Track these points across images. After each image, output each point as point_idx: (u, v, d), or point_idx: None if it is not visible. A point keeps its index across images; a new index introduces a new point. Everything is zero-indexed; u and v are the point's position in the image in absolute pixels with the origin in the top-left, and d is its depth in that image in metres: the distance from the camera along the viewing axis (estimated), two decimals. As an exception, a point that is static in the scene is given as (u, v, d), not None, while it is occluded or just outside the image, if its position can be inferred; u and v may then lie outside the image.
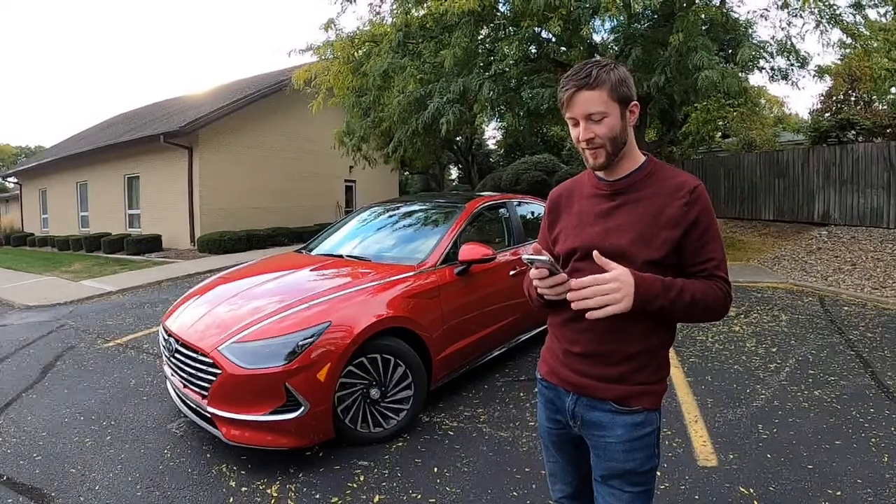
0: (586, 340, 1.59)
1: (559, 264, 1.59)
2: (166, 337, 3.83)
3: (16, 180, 27.06)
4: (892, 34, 11.72)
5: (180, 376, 3.59)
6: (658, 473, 1.66)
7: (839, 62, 13.98)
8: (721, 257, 1.55)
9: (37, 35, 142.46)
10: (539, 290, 1.52)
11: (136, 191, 17.73)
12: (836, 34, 9.79)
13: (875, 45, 10.12)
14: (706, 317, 1.54)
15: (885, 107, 17.79)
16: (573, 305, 1.44)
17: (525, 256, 1.45)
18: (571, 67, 1.57)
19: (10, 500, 3.01)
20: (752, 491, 2.94)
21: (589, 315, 1.42)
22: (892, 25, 11.65)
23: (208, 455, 3.48)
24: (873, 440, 3.46)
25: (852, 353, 5.14)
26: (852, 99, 19.85)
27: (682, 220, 1.50)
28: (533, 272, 1.49)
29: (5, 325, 7.41)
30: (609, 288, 1.40)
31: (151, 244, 15.70)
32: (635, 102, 1.56)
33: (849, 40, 10.08)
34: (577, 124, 1.54)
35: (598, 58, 1.63)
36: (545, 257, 1.42)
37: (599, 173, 1.64)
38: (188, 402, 3.54)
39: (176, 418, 4.03)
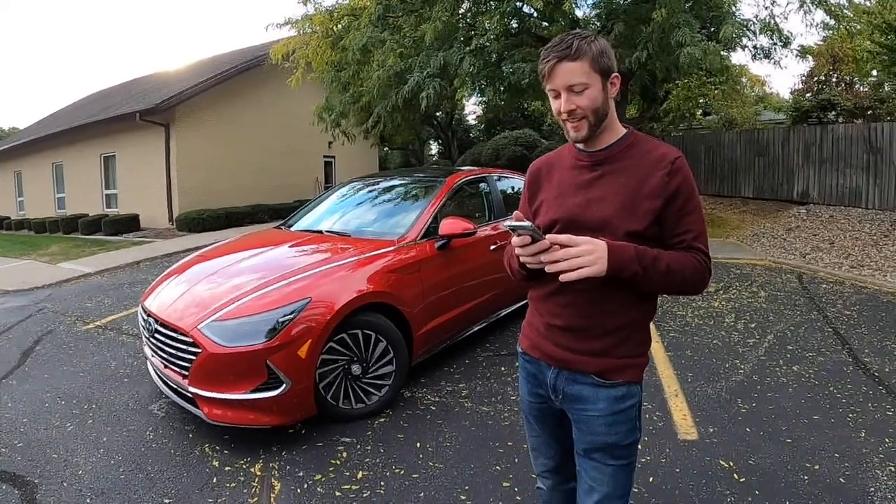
0: (568, 314, 1.58)
1: None
2: (145, 317, 3.77)
3: (-11, 162, 26.53)
4: (875, 17, 11.79)
5: (160, 357, 3.55)
6: (639, 447, 1.66)
7: (822, 43, 14.03)
8: (700, 230, 1.54)
9: (9, 15, 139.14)
10: (521, 259, 1.50)
11: (113, 170, 17.44)
12: (819, 15, 9.84)
13: (858, 27, 10.18)
14: (685, 288, 1.53)
15: (867, 88, 17.94)
16: (547, 269, 1.42)
17: (507, 223, 1.42)
18: None
19: (-9, 487, 2.97)
20: (731, 464, 2.98)
21: (562, 277, 1.39)
22: (875, 8, 11.71)
23: (191, 435, 3.46)
24: (850, 416, 3.52)
25: (830, 329, 5.21)
26: (834, 80, 19.97)
27: (663, 191, 1.49)
28: (515, 240, 1.46)
29: (-19, 307, 7.28)
30: (582, 250, 1.38)
31: (129, 224, 15.50)
32: (616, 74, 1.55)
33: (832, 22, 10.13)
34: (558, 96, 1.52)
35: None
36: (528, 223, 1.39)
37: (580, 145, 1.62)
38: (169, 382, 3.50)
39: (157, 399, 3.99)
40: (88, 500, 2.82)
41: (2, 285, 8.68)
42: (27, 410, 3.93)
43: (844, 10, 9.74)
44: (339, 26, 11.46)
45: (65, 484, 2.98)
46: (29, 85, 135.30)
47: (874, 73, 16.08)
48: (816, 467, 2.93)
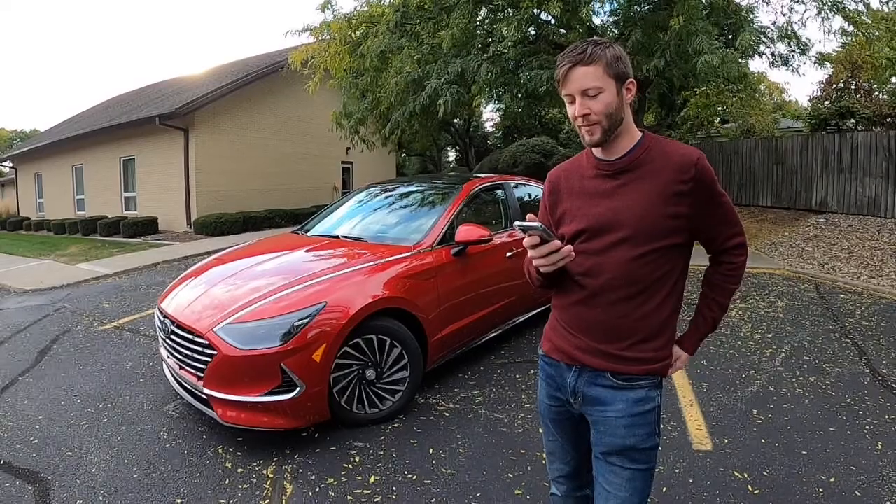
0: (593, 328, 1.61)
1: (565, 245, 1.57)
2: (162, 319, 3.81)
3: (11, 164, 26.99)
4: (894, 23, 11.67)
5: (176, 358, 3.58)
6: (654, 456, 1.65)
7: (840, 50, 13.89)
8: (733, 218, 1.62)
9: (32, 18, 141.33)
10: (535, 262, 1.51)
11: (132, 173, 17.64)
12: (837, 21, 9.75)
13: (877, 33, 10.09)
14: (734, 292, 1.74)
15: (886, 96, 17.72)
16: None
17: (517, 223, 1.44)
18: None
19: (7, 485, 3.00)
20: (746, 476, 2.95)
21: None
22: (894, 15, 11.59)
23: (204, 437, 3.49)
24: (867, 428, 3.46)
25: (847, 340, 5.14)
26: (852, 87, 19.75)
27: (687, 197, 1.50)
28: (526, 240, 1.48)
29: (1, 309, 7.39)
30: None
31: (148, 226, 15.67)
32: (631, 80, 1.55)
33: (850, 28, 10.05)
34: (573, 101, 1.53)
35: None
36: (537, 223, 1.40)
37: (597, 152, 1.63)
38: (184, 383, 3.53)
39: (172, 400, 4.02)
40: (101, 498, 2.85)
41: (21, 285, 8.82)
42: (43, 408, 3.98)
43: (863, 17, 9.65)
44: (358, 33, 11.51)
45: (78, 481, 3.01)
46: (50, 87, 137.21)
47: (893, 80, 15.92)
48: (832, 479, 2.90)
